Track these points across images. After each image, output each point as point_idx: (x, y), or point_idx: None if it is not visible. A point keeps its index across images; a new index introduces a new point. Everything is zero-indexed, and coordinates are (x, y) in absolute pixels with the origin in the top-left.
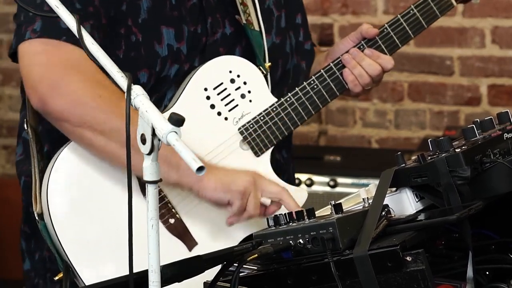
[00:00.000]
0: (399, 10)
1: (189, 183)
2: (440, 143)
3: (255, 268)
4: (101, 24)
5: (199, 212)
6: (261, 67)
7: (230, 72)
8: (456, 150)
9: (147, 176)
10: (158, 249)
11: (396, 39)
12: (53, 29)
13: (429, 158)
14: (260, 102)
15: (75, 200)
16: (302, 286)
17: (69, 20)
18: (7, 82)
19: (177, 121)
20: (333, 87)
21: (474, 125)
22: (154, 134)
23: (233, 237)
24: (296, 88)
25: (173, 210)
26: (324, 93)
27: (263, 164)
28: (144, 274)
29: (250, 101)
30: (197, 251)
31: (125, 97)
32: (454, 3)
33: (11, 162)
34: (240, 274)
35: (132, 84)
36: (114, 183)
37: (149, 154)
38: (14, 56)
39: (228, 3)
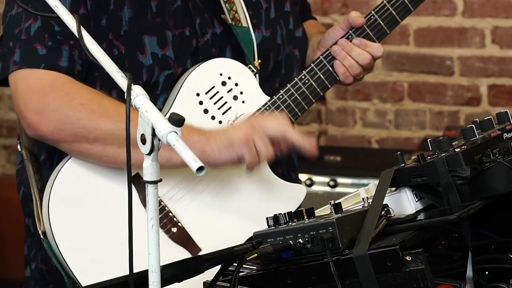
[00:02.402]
0: None
1: None
2: (440, 143)
3: (255, 268)
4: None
5: (201, 218)
6: (250, 66)
7: (221, 74)
8: (456, 150)
9: (147, 176)
10: (158, 249)
11: (383, 26)
12: (31, 58)
13: (428, 158)
14: (253, 102)
15: (77, 218)
16: (301, 286)
17: (69, 20)
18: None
19: (177, 121)
20: (324, 80)
21: (473, 125)
22: (154, 134)
23: (236, 240)
24: (288, 84)
25: (174, 219)
26: (316, 87)
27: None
28: (144, 274)
29: (243, 102)
30: None
31: (125, 97)
32: None
33: (11, 162)
34: (240, 274)
35: (132, 84)
36: (114, 198)
37: (149, 154)
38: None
39: (214, 2)
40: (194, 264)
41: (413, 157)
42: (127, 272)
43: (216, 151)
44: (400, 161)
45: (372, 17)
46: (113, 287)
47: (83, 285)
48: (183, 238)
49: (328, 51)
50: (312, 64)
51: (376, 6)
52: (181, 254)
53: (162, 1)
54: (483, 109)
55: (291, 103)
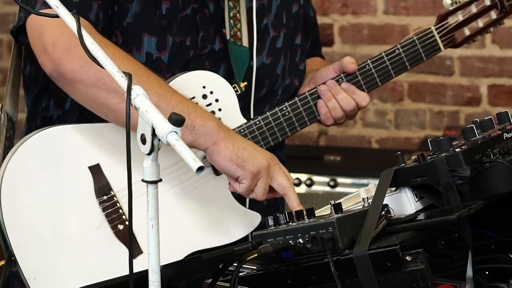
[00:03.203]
0: (399, 10)
1: (204, 144)
2: (440, 143)
3: (255, 268)
4: (107, 10)
5: None
6: (236, 86)
7: (204, 87)
8: (456, 150)
9: (147, 176)
10: (158, 249)
11: (376, 77)
12: (64, 1)
13: (429, 158)
14: (228, 121)
15: (28, 192)
16: (301, 286)
17: (69, 20)
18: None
19: (177, 121)
20: (305, 116)
21: (473, 125)
22: (154, 134)
23: (180, 249)
24: (267, 112)
25: (123, 216)
26: (295, 121)
27: (220, 183)
28: (144, 274)
29: (219, 119)
30: (140, 260)
31: (125, 97)
32: (442, 48)
33: None
34: (240, 274)
35: (132, 84)
36: (70, 181)
37: (149, 154)
38: (18, 32)
39: (223, 18)
40: (194, 264)
41: (413, 157)
42: (64, 255)
43: (228, 158)
44: (400, 161)
45: (367, 65)
46: (113, 287)
47: (19, 259)
48: (127, 236)
49: (315, 89)
50: (296, 98)
51: (374, 56)
52: (121, 252)
53: (173, 6)
54: (483, 109)
55: (266, 131)
